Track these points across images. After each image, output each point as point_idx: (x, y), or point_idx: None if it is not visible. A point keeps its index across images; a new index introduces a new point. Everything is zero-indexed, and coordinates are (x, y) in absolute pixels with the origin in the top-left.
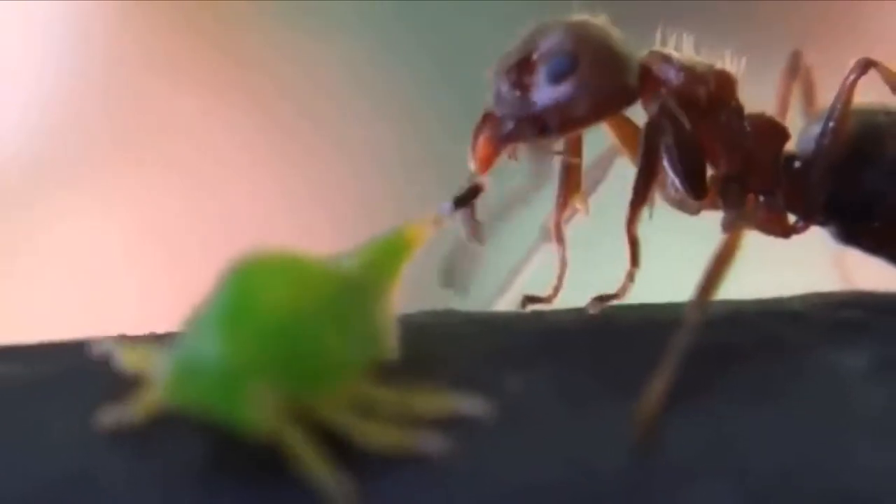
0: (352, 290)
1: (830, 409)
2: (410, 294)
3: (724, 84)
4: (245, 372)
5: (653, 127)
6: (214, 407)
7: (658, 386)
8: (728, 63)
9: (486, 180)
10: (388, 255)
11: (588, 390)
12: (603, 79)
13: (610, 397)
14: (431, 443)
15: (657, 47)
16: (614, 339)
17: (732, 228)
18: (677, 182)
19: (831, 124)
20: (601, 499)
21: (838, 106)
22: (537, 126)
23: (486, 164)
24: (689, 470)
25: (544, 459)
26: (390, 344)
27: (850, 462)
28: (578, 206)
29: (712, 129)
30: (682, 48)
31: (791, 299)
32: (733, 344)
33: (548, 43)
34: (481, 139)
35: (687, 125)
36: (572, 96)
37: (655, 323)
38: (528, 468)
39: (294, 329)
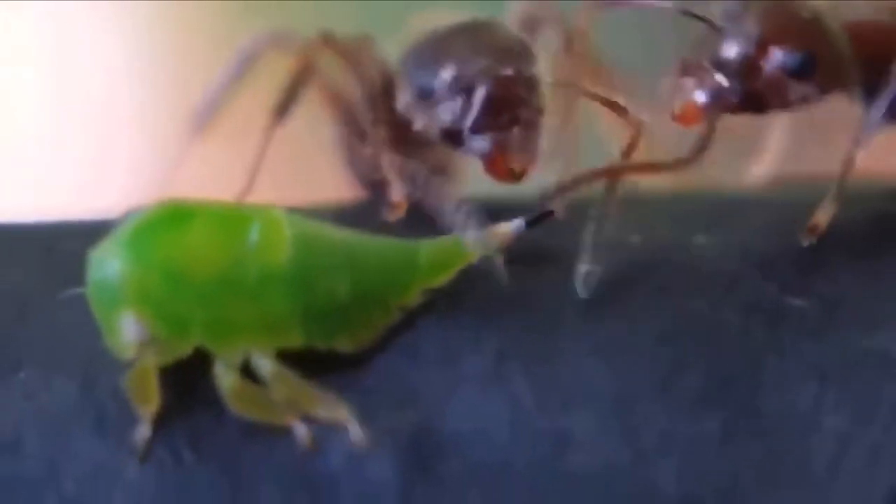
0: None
1: None
2: None
3: None
4: (122, 297)
5: None
6: (99, 319)
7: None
8: None
9: (560, 207)
10: (438, 259)
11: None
12: (835, 86)
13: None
14: (299, 429)
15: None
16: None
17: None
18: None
19: None
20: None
21: None
22: (757, 105)
23: (691, 122)
24: None
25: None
26: (361, 338)
27: None
28: None
29: None
30: None
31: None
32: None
33: (790, 34)
34: (695, 99)
35: None
36: (804, 96)
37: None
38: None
39: (182, 278)
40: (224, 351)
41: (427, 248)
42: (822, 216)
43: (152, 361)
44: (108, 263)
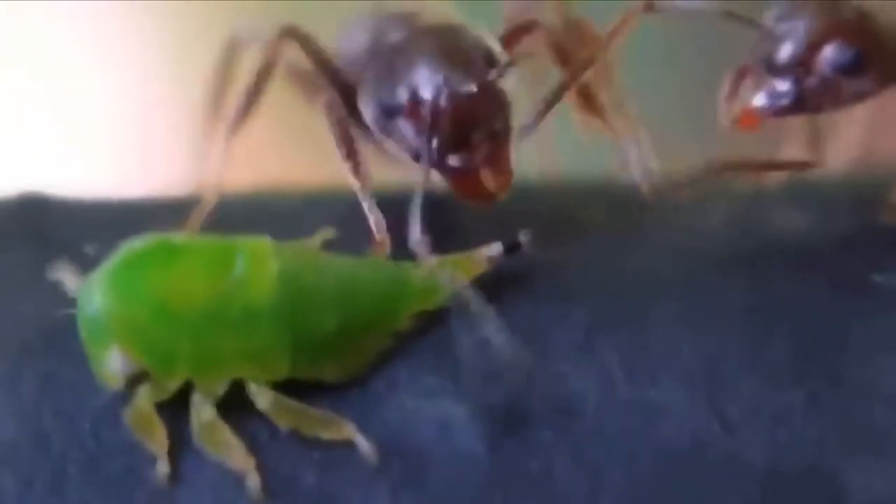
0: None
1: None
2: None
3: None
4: (108, 332)
5: None
6: (88, 350)
7: None
8: None
9: (529, 238)
10: (430, 283)
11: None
12: (890, 80)
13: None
14: (252, 479)
15: None
16: None
17: None
18: None
19: None
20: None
21: None
22: (813, 105)
23: (750, 127)
24: None
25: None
26: (349, 367)
27: None
28: None
29: None
30: None
31: None
32: None
33: (840, 32)
34: (752, 104)
35: None
36: (859, 93)
37: None
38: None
39: (168, 313)
40: (210, 383)
41: (419, 270)
42: None
43: (147, 398)
44: (94, 298)
